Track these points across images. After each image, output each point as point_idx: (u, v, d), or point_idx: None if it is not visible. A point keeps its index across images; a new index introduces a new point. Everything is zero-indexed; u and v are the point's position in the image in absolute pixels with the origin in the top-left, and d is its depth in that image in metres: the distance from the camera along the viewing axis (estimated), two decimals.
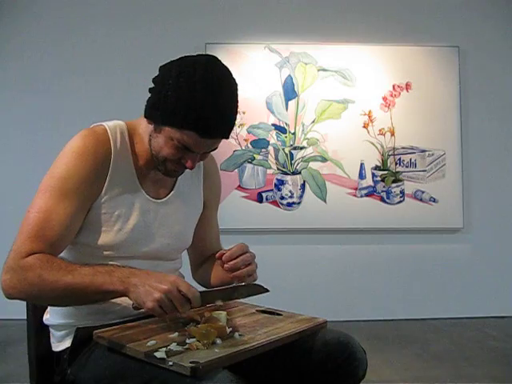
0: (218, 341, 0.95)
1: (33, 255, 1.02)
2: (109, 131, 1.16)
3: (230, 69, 1.13)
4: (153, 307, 0.98)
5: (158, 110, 1.09)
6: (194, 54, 1.13)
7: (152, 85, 1.14)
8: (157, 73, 1.15)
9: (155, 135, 1.14)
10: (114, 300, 1.10)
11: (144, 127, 1.19)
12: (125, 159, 1.18)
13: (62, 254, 1.14)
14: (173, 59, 1.13)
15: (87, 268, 1.04)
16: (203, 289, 1.24)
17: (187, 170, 1.20)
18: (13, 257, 1.03)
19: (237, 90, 1.12)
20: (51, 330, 1.19)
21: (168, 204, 1.25)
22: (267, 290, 1.15)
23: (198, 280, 1.42)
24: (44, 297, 1.05)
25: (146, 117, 1.15)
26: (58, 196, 1.07)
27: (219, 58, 1.13)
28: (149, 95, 1.14)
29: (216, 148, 1.17)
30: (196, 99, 1.05)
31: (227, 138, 1.15)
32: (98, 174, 1.12)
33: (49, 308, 1.21)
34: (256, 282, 1.19)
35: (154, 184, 1.23)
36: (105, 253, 1.16)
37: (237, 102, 1.12)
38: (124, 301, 1.09)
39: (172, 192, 1.27)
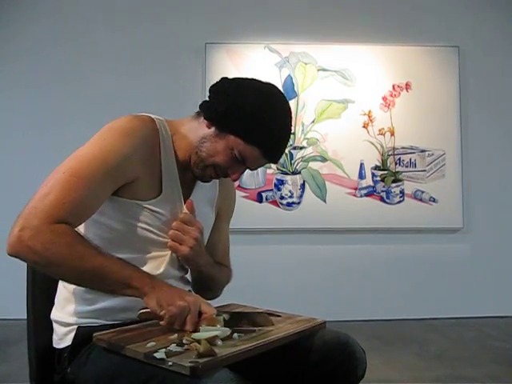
0: (219, 342, 0.95)
1: (65, 224, 0.97)
2: (156, 122, 1.16)
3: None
4: (174, 313, 0.98)
5: (229, 118, 1.11)
6: (260, 80, 1.18)
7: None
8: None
9: (214, 140, 1.14)
10: (122, 303, 1.10)
11: (188, 127, 1.20)
12: (170, 153, 1.17)
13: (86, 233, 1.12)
14: (237, 77, 1.18)
15: (116, 257, 1.03)
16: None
17: None
18: (41, 217, 0.95)
19: None
20: (55, 326, 1.18)
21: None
22: (272, 324, 1.11)
23: (195, 290, 1.36)
24: (64, 269, 0.98)
25: (207, 119, 1.15)
26: (98, 166, 1.02)
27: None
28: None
29: (258, 168, 1.22)
30: (274, 123, 1.12)
31: (276, 163, 1.22)
32: (138, 159, 1.09)
33: (56, 304, 1.19)
34: (263, 312, 1.18)
35: (183, 185, 1.22)
36: (137, 245, 1.14)
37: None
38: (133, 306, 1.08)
39: (192, 195, 1.25)
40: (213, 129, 1.14)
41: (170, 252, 1.18)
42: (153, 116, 1.18)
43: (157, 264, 1.17)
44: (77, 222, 1.03)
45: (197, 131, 1.17)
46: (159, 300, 0.99)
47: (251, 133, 1.10)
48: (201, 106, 1.18)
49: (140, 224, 1.13)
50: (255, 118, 1.10)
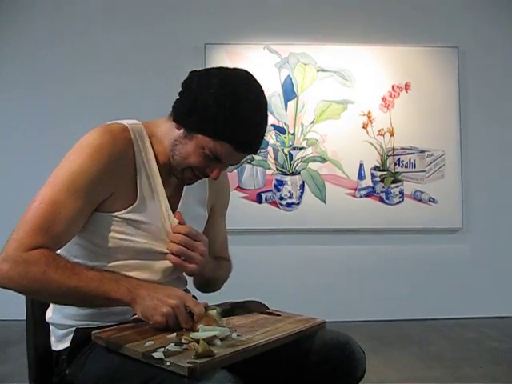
0: (218, 341, 0.95)
1: (38, 249, 0.99)
2: (131, 131, 1.13)
3: None
4: (161, 322, 0.99)
5: (193, 117, 1.08)
6: (228, 68, 1.14)
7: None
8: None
9: (184, 141, 1.12)
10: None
11: (163, 129, 1.18)
12: (148, 159, 1.15)
13: (70, 250, 1.13)
14: (206, 68, 1.14)
15: (94, 272, 1.02)
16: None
17: None
18: (14, 247, 0.99)
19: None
20: (52, 328, 1.18)
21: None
22: (267, 308, 1.15)
23: (196, 284, 1.37)
24: (45, 294, 1.03)
25: (176, 121, 1.12)
26: (67, 190, 1.04)
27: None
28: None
29: (241, 160, 1.17)
30: (239, 113, 1.06)
31: (256, 153, 1.16)
32: (111, 174, 1.08)
33: (51, 306, 1.19)
34: (256, 300, 1.20)
35: (169, 189, 1.21)
36: (117, 256, 1.14)
37: (267, 119, 1.14)
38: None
39: (182, 197, 1.24)
40: (182, 130, 1.12)
41: (159, 259, 1.17)
42: (127, 123, 1.15)
43: (147, 273, 1.16)
44: (55, 244, 1.04)
45: (170, 133, 1.15)
46: (143, 312, 1.00)
47: (217, 128, 1.06)
48: (173, 105, 1.15)
49: (119, 235, 1.12)
50: (219, 113, 1.05)
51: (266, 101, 1.13)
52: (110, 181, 1.09)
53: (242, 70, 1.14)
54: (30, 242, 0.99)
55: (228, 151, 1.09)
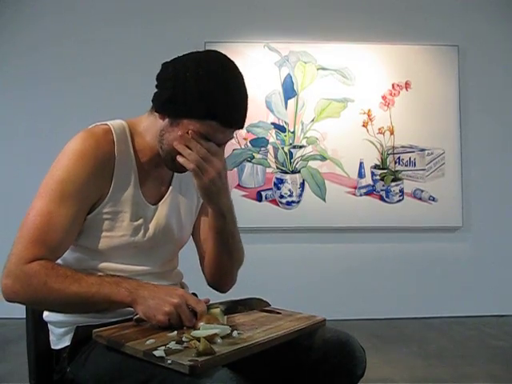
0: (218, 340, 0.95)
1: (37, 261, 1.02)
2: (114, 132, 1.14)
3: None
4: (163, 321, 1.00)
5: (175, 104, 1.08)
6: (198, 51, 1.15)
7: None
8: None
9: (171, 129, 1.12)
10: None
11: (146, 125, 1.19)
12: (128, 160, 1.17)
13: (64, 255, 1.14)
14: (177, 56, 1.14)
15: (94, 277, 1.05)
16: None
17: None
18: (14, 262, 1.02)
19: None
20: (50, 327, 1.19)
21: (164, 206, 1.24)
22: (268, 304, 1.16)
23: (205, 272, 1.35)
24: (48, 303, 1.06)
25: (158, 112, 1.13)
26: (58, 199, 1.06)
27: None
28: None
29: (231, 138, 1.17)
30: (219, 89, 1.06)
31: (242, 127, 1.15)
32: (98, 177, 1.10)
33: None
34: (258, 297, 1.21)
35: (153, 182, 1.23)
36: (105, 256, 1.15)
37: (247, 92, 1.14)
38: None
39: (170, 188, 1.26)
40: (166, 119, 1.12)
41: (145, 249, 1.19)
42: (110, 123, 1.16)
43: (141, 264, 1.18)
44: (54, 254, 1.07)
45: (155, 126, 1.16)
46: (145, 312, 1.02)
47: (200, 108, 1.07)
48: (152, 99, 1.16)
49: (103, 233, 1.14)
50: (200, 92, 1.06)
51: (240, 74, 1.13)
52: (98, 184, 1.11)
53: (212, 50, 1.16)
54: (28, 255, 1.02)
55: (215, 129, 1.09)
